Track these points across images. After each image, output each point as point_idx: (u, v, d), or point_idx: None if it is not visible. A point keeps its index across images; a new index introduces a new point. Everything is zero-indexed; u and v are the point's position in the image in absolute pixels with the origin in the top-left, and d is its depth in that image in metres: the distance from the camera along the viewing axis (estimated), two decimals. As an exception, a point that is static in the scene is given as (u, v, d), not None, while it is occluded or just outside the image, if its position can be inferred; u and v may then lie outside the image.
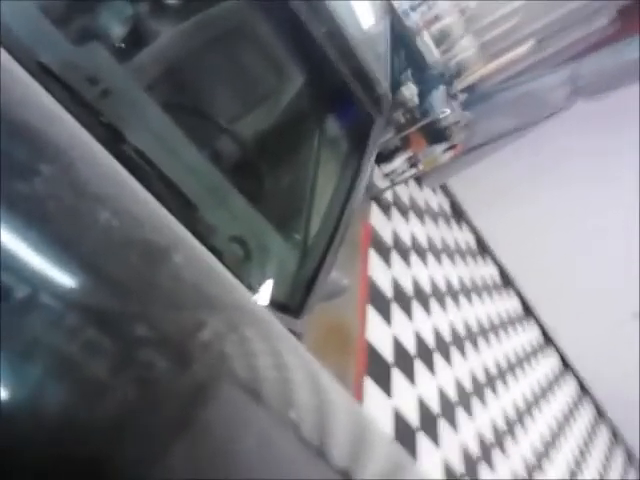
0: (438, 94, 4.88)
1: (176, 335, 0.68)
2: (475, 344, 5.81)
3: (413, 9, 4.93)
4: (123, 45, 1.37)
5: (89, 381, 0.60)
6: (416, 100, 4.65)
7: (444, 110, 4.83)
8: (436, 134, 4.99)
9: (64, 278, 0.64)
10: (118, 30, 1.37)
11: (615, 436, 8.69)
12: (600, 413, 8.61)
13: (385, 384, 3.84)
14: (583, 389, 8.50)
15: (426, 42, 4.95)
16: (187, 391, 0.65)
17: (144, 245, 0.72)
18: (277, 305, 1.50)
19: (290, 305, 1.59)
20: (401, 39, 4.62)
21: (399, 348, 4.26)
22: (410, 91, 4.57)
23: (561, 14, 5.68)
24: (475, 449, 4.67)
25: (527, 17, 5.63)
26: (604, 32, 5.76)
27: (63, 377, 0.59)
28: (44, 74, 1.05)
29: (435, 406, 4.38)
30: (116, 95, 1.22)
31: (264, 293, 1.47)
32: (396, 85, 4.47)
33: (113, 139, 1.15)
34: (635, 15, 5.60)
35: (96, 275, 0.66)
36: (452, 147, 5.32)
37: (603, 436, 8.31)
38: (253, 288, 1.44)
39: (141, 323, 0.65)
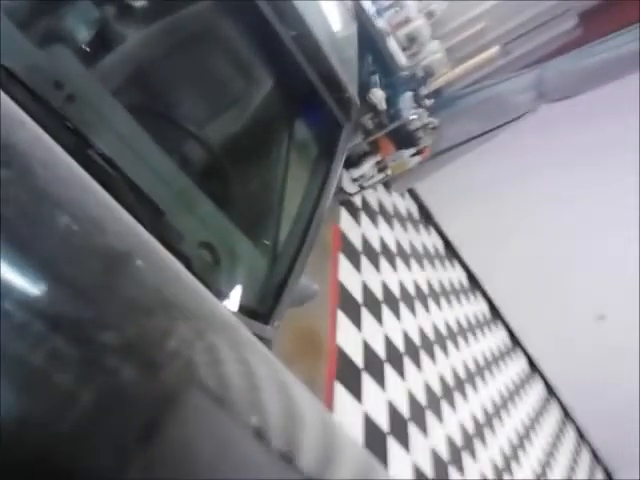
0: (406, 99, 4.91)
1: (142, 342, 0.67)
2: (444, 348, 5.85)
3: (380, 13, 4.96)
4: (89, 49, 1.35)
5: (53, 390, 0.59)
6: (384, 105, 4.68)
7: (411, 115, 4.86)
8: (404, 138, 5.01)
9: (24, 285, 0.62)
10: (84, 33, 1.35)
11: (581, 437, 8.80)
12: (566, 415, 8.71)
13: (355, 389, 3.84)
14: (550, 391, 8.60)
15: (393, 46, 4.98)
16: (154, 399, 0.64)
17: (105, 250, 0.71)
18: (246, 311, 1.49)
19: (260, 311, 1.58)
20: (369, 43, 4.64)
21: (369, 352, 4.27)
22: (377, 96, 4.59)
23: (525, 19, 5.76)
24: (445, 453, 4.69)
25: (492, 22, 5.70)
26: (567, 37, 5.86)
27: (26, 387, 0.58)
28: (8, 78, 1.04)
29: (405, 410, 4.40)
30: (82, 100, 1.21)
31: (233, 299, 1.46)
32: (364, 89, 4.49)
33: (79, 144, 1.13)
34: (597, 19, 5.70)
35: (56, 281, 0.65)
36: (420, 151, 5.35)
37: (570, 437, 8.42)
38: (222, 294, 1.44)
39: (105, 330, 0.64)
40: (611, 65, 5.08)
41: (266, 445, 0.71)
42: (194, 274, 0.91)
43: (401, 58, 5.03)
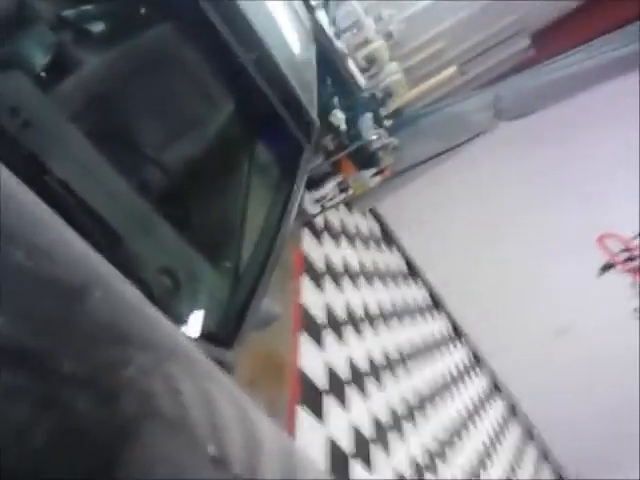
0: (366, 120, 4.96)
1: (99, 373, 0.66)
2: (406, 367, 5.86)
3: (339, 35, 5.01)
4: (46, 74, 1.34)
5: (6, 424, 0.58)
6: (344, 126, 4.71)
7: (372, 135, 4.91)
8: (365, 159, 5.06)
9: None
10: (40, 58, 1.34)
11: (545, 456, 8.84)
12: (529, 433, 8.75)
13: (318, 412, 3.82)
14: (511, 409, 8.65)
15: (353, 68, 5.03)
16: (112, 430, 0.63)
17: (60, 284, 0.70)
18: (208, 336, 1.48)
19: (221, 336, 1.57)
20: (329, 64, 4.68)
21: (332, 374, 4.26)
22: (338, 117, 4.63)
23: (480, 39, 5.88)
24: (408, 473, 4.68)
25: (448, 43, 5.81)
26: (522, 56, 6.00)
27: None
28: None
29: (368, 432, 4.38)
30: (38, 126, 1.19)
31: (194, 325, 1.45)
32: (324, 111, 4.52)
33: (35, 171, 1.12)
34: (549, 39, 5.86)
35: (11, 315, 0.63)
36: (380, 171, 5.40)
37: (531, 456, 8.44)
38: (183, 320, 1.42)
39: (61, 361, 0.63)
40: (564, 83, 5.21)
41: (226, 474, 0.70)
42: (154, 300, 0.90)
43: (360, 79, 5.08)
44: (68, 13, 1.44)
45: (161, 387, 0.70)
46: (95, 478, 0.60)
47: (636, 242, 6.91)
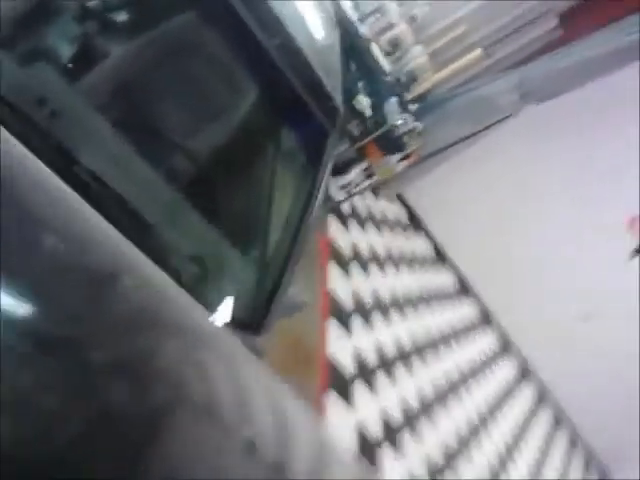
0: (391, 104, 4.92)
1: (131, 360, 0.66)
2: (436, 352, 5.84)
3: (363, 20, 4.98)
4: (72, 65, 1.35)
5: (42, 412, 0.58)
6: (369, 111, 4.68)
7: (397, 120, 4.87)
8: (390, 144, 5.02)
9: (10, 305, 0.61)
10: (66, 50, 1.35)
11: (574, 440, 8.76)
12: (558, 418, 8.69)
13: (347, 398, 3.83)
14: (541, 394, 8.58)
15: (377, 52, 4.99)
16: (145, 417, 0.64)
17: (91, 271, 0.71)
18: (237, 323, 1.48)
19: (250, 322, 1.58)
20: (353, 50, 4.65)
21: (360, 360, 4.26)
22: (363, 103, 4.60)
23: (506, 21, 5.80)
24: (439, 458, 4.68)
25: (474, 25, 5.73)
26: (548, 38, 5.90)
27: (17, 409, 0.57)
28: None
29: (398, 417, 4.38)
30: (66, 116, 1.20)
31: (223, 311, 1.45)
32: (349, 97, 4.49)
33: (64, 161, 1.13)
34: (576, 20, 5.76)
35: (43, 301, 0.64)
36: (406, 156, 5.36)
37: (562, 441, 8.37)
38: (212, 306, 1.43)
39: (93, 349, 0.64)
40: (591, 64, 5.13)
41: (258, 459, 0.70)
42: (183, 287, 0.90)
43: (385, 64, 5.04)
44: (93, 4, 1.45)
45: (192, 374, 0.70)
46: (128, 464, 0.60)
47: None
